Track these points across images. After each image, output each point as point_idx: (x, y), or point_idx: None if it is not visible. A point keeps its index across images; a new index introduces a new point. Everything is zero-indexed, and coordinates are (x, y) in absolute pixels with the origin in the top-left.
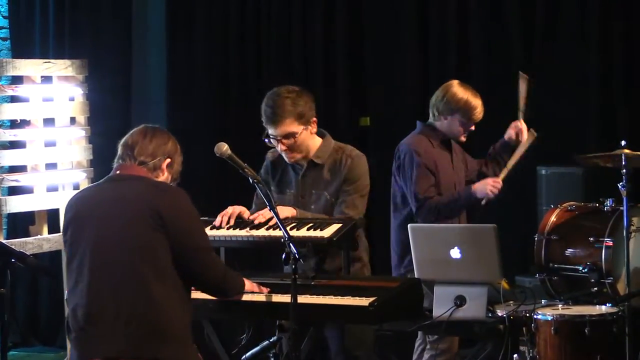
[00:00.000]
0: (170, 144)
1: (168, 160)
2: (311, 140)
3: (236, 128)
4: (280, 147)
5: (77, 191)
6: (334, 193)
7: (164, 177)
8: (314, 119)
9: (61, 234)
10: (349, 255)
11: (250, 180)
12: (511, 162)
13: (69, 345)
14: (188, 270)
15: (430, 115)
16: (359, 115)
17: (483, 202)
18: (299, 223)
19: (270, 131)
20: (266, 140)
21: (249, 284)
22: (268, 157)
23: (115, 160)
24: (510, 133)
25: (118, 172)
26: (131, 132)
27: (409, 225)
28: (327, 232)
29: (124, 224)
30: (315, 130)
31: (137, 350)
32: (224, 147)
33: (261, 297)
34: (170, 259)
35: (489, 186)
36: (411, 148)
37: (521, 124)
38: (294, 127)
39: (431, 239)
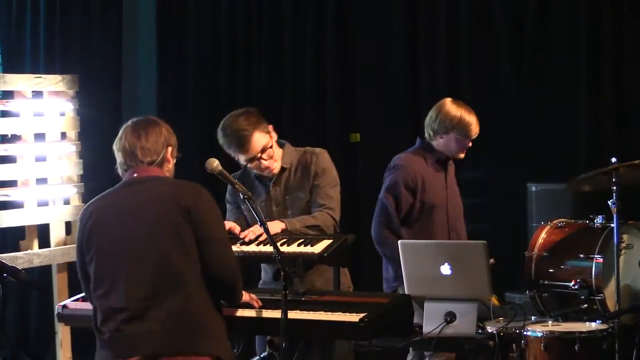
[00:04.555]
0: (164, 130)
1: (170, 148)
2: (277, 149)
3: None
4: (262, 165)
5: (67, 206)
6: (308, 191)
7: (172, 163)
8: (270, 126)
9: (77, 240)
10: (339, 272)
11: (241, 196)
12: None
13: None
14: (206, 260)
15: (426, 135)
16: (349, 131)
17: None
18: (290, 239)
19: (244, 157)
20: (249, 167)
21: (246, 296)
22: (237, 174)
23: (119, 165)
24: None
25: (135, 175)
26: (123, 132)
27: (399, 242)
28: (318, 248)
29: (153, 224)
30: (276, 137)
31: (177, 347)
32: (214, 163)
33: (251, 313)
34: (194, 246)
35: None
36: (398, 164)
37: None
38: (263, 139)
39: (421, 255)
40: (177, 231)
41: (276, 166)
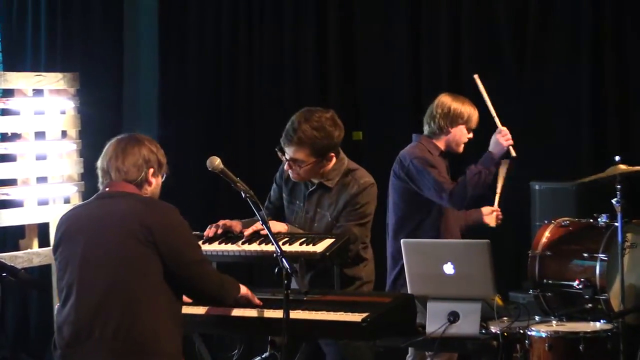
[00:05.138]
0: (145, 151)
1: (151, 170)
2: (319, 169)
3: (228, 142)
4: (286, 166)
5: (67, 205)
6: (335, 216)
7: (155, 185)
8: (333, 154)
9: (51, 248)
10: (341, 271)
11: (243, 195)
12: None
13: None
14: (184, 284)
15: (427, 130)
16: (351, 129)
17: (513, 154)
18: (292, 238)
19: (284, 147)
20: (280, 154)
21: (244, 288)
22: (282, 168)
23: (99, 183)
24: (477, 217)
25: (108, 189)
26: (105, 150)
27: (402, 241)
28: (320, 247)
29: (113, 240)
30: (331, 163)
31: None
32: (216, 161)
33: (253, 313)
34: (161, 274)
35: (501, 139)
36: (417, 154)
37: (495, 211)
38: (304, 156)
39: (424, 254)
40: (134, 248)
41: (297, 177)
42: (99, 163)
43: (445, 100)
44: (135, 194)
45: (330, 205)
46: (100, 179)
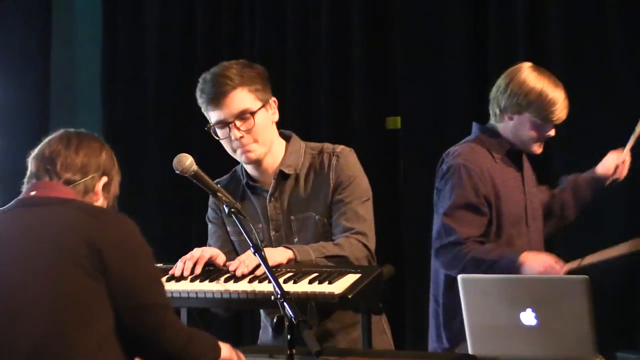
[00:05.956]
0: (105, 156)
1: (104, 179)
2: (273, 134)
3: (202, 137)
4: (234, 136)
5: None
6: (325, 210)
7: (99, 203)
8: (274, 99)
9: None
10: (369, 321)
11: (226, 209)
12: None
13: None
14: (135, 336)
15: (491, 114)
16: (385, 115)
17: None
18: (299, 273)
19: (214, 116)
20: (213, 133)
21: (226, 350)
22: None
23: (27, 179)
24: (606, 168)
25: (33, 192)
26: (47, 139)
27: (459, 277)
28: (339, 286)
29: (46, 267)
30: (276, 116)
31: None
32: (187, 161)
33: None
34: (111, 319)
35: (547, 267)
36: (461, 162)
37: (626, 159)
38: (247, 101)
39: (492, 296)
40: (76, 281)
41: (256, 151)
42: (36, 151)
43: (522, 73)
44: (75, 201)
45: (312, 200)
46: (32, 171)
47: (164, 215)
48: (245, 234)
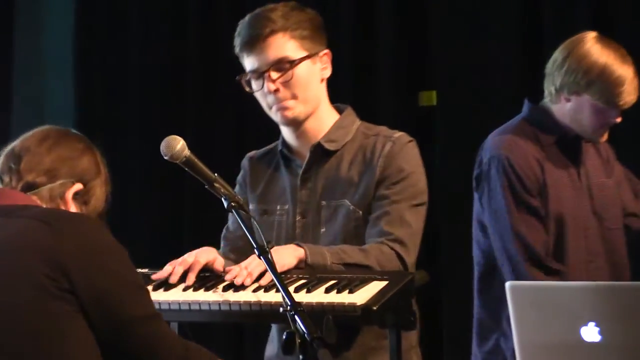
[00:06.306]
0: (87, 161)
1: (78, 186)
2: (321, 94)
3: (196, 117)
4: (267, 89)
5: None
6: (362, 201)
7: (67, 205)
8: (326, 51)
9: None
10: (398, 337)
11: (224, 203)
12: None
13: None
14: (124, 357)
15: (546, 92)
16: (418, 89)
17: None
18: (312, 280)
19: (250, 64)
20: (245, 84)
21: None
22: (247, 158)
23: None
24: None
25: None
26: (30, 132)
27: (507, 284)
28: (362, 295)
29: (2, 297)
30: (327, 73)
31: None
32: (177, 144)
33: None
34: (87, 345)
35: None
36: (502, 153)
37: None
38: (288, 48)
39: (546, 307)
40: (41, 309)
41: (294, 109)
42: (4, 151)
43: (583, 46)
44: (30, 207)
45: (350, 186)
46: None
47: (149, 212)
48: (248, 233)
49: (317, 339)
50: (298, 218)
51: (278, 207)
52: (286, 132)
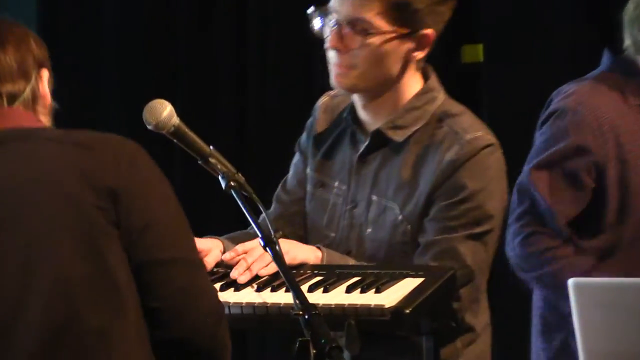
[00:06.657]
0: (32, 42)
1: (45, 73)
2: (393, 73)
3: (189, 81)
4: (329, 42)
5: None
6: (413, 212)
7: (47, 101)
8: (426, 32)
9: None
10: (436, 347)
11: (222, 183)
12: None
13: None
14: (155, 305)
15: (625, 43)
16: (461, 43)
17: None
18: (331, 277)
19: (334, 3)
20: (319, 20)
21: None
22: (325, 96)
23: None
24: None
25: None
26: None
27: (569, 281)
28: (391, 295)
29: (43, 232)
30: (421, 53)
31: None
32: (164, 110)
33: None
34: (135, 291)
35: None
36: (571, 105)
37: None
38: (373, 15)
39: (619, 310)
40: (90, 245)
41: (347, 78)
42: None
43: None
44: (45, 129)
45: (403, 186)
46: None
47: None
48: (251, 219)
49: (336, 348)
50: (349, 206)
51: (336, 184)
52: (354, 96)
